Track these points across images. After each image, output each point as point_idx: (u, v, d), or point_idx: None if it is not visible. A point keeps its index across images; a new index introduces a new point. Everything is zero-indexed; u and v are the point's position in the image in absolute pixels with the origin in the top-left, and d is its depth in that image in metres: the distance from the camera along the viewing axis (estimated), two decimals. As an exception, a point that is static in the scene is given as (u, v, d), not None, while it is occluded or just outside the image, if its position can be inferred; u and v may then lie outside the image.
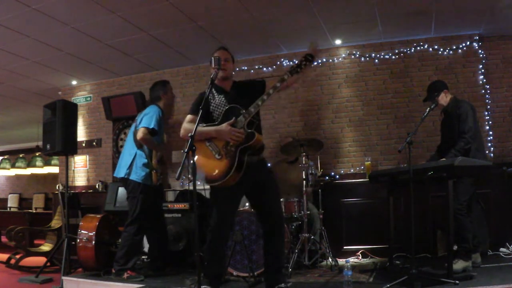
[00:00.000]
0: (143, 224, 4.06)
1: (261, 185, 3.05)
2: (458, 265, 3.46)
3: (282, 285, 2.99)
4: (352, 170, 5.35)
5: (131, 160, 4.08)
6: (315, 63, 2.99)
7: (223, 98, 3.09)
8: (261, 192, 3.07)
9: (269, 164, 5.32)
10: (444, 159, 3.54)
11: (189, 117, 3.15)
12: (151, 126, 4.00)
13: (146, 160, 4.06)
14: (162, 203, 4.63)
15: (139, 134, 3.99)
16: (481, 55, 5.13)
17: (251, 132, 2.88)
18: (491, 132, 5.01)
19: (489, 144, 4.96)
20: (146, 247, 4.57)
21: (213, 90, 3.08)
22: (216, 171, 2.84)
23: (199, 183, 2.70)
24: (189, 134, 2.57)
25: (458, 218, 3.53)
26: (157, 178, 4.09)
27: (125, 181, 4.13)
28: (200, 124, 2.89)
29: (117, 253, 4.04)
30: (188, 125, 3.10)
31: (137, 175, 4.04)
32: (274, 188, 3.12)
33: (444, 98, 3.87)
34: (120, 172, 4.13)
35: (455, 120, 3.74)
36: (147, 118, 4.04)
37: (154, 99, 4.37)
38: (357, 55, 5.49)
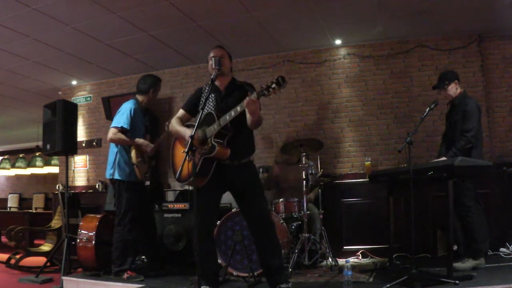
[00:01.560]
0: (135, 223, 4.02)
1: (241, 190, 3.07)
2: (468, 264, 3.48)
3: (283, 285, 2.98)
4: (352, 170, 5.36)
5: (114, 159, 4.05)
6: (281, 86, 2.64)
7: (213, 98, 3.10)
8: (241, 196, 3.10)
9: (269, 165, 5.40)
10: (444, 158, 3.54)
11: (180, 112, 3.24)
12: (120, 125, 3.95)
13: (127, 157, 4.01)
14: (155, 201, 4.69)
15: (109, 135, 3.99)
16: (481, 55, 5.13)
17: (212, 146, 2.90)
18: (491, 132, 5.01)
19: (489, 144, 4.96)
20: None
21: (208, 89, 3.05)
22: (184, 172, 2.90)
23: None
24: (189, 135, 2.65)
25: (467, 220, 3.55)
26: (141, 173, 4.02)
27: (112, 182, 4.11)
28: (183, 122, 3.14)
29: (112, 254, 4.00)
30: (175, 120, 3.19)
31: (120, 173, 4.00)
32: (255, 193, 3.09)
33: (453, 89, 3.84)
34: (107, 173, 4.12)
35: (460, 116, 3.73)
36: (117, 117, 4.01)
37: (140, 91, 4.27)
38: (357, 55, 5.49)
